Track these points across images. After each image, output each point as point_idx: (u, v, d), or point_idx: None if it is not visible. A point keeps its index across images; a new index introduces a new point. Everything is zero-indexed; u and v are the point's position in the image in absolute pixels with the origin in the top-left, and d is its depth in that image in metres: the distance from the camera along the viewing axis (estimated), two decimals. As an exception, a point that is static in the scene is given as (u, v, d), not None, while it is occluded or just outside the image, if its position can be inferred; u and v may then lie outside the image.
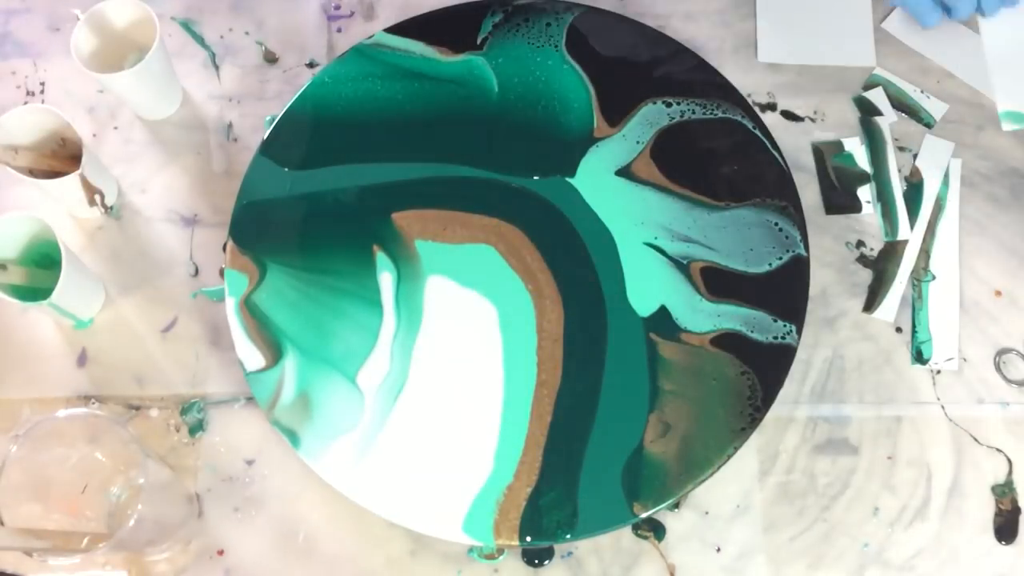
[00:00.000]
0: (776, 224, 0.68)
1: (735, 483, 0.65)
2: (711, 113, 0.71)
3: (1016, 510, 0.64)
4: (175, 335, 0.69)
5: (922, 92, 0.75)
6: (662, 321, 0.65)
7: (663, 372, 0.64)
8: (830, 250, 0.71)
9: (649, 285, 0.66)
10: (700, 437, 0.62)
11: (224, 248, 0.70)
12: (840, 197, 0.72)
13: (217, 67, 0.77)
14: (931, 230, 0.71)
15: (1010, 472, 0.65)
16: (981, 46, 0.74)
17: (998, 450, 0.66)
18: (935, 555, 0.63)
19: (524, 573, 0.63)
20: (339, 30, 0.78)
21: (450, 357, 0.65)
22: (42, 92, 0.76)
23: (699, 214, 0.68)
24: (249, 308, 0.66)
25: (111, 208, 0.72)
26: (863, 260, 0.71)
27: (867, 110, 0.75)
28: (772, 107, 0.75)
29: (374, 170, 0.70)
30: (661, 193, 0.69)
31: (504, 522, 0.60)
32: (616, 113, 0.71)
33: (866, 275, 0.70)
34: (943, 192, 0.72)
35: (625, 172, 0.70)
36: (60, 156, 0.70)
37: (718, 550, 0.64)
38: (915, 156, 0.73)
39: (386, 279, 0.67)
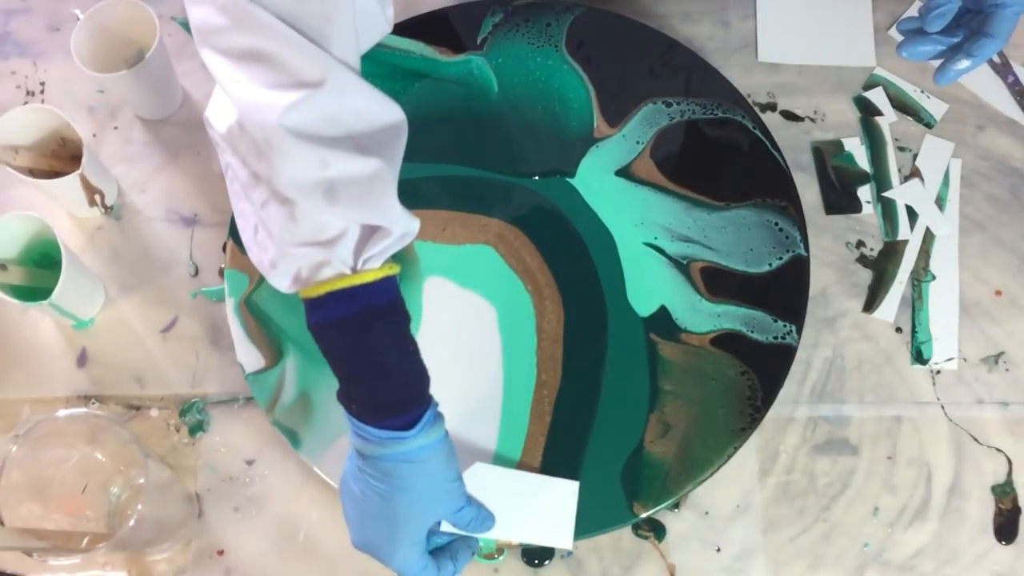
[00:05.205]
0: (776, 224, 0.68)
1: (735, 483, 0.65)
2: (711, 113, 0.71)
3: (1016, 510, 0.64)
4: (175, 335, 0.69)
5: (922, 92, 0.75)
6: (662, 321, 0.65)
7: (663, 372, 0.64)
8: (830, 250, 0.71)
9: (649, 285, 0.66)
10: (700, 437, 0.62)
11: (224, 248, 0.70)
12: (840, 197, 0.72)
13: (217, 67, 0.77)
14: (931, 230, 0.71)
15: (1010, 472, 0.65)
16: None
17: (998, 450, 0.66)
18: (935, 555, 0.63)
19: (524, 573, 0.63)
20: (339, 30, 0.78)
21: (450, 358, 0.65)
22: (42, 92, 0.76)
23: (699, 214, 0.68)
24: (249, 308, 0.66)
25: (111, 208, 0.72)
26: (863, 260, 0.70)
27: (867, 110, 0.75)
28: (772, 107, 0.75)
29: (374, 170, 0.70)
30: (661, 193, 0.69)
31: (504, 522, 0.60)
32: (616, 113, 0.71)
33: (866, 275, 0.70)
34: (943, 192, 0.72)
35: (625, 172, 0.70)
36: (60, 156, 0.70)
37: (718, 550, 0.63)
38: (915, 156, 0.73)
39: (386, 279, 0.67)
